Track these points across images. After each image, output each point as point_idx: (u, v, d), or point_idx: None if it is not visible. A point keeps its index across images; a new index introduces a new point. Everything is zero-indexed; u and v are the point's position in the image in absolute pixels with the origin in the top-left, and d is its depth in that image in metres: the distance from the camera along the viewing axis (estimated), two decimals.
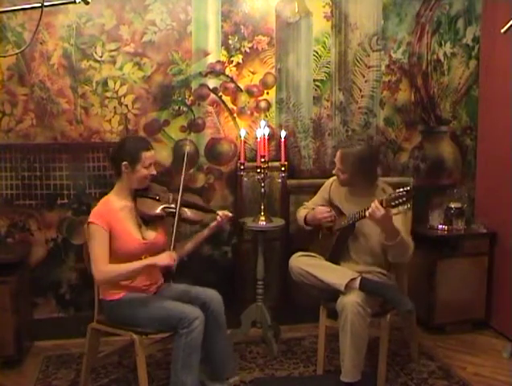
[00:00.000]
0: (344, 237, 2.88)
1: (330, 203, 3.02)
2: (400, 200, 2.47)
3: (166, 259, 2.51)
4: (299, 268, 2.86)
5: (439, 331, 3.52)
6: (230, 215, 2.88)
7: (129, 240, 2.58)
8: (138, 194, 2.69)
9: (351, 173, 2.82)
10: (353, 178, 2.83)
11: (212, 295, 2.68)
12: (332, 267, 2.83)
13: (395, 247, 2.65)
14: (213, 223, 2.85)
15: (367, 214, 2.58)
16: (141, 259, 2.63)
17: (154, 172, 2.67)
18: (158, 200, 2.71)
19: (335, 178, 3.03)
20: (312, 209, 3.05)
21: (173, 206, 2.71)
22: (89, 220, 2.55)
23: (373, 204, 2.55)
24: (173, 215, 2.68)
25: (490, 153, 3.69)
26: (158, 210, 2.69)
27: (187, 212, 2.76)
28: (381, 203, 2.53)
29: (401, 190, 2.49)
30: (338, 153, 2.87)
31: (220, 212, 2.84)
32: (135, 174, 2.61)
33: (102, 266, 2.48)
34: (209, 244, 3.51)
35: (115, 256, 2.59)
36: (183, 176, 2.78)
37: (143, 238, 2.64)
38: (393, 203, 2.49)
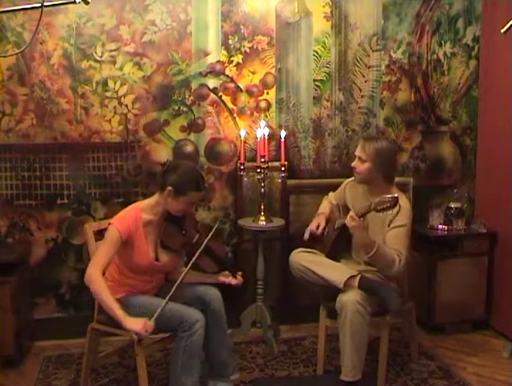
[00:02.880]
0: (345, 236, 2.87)
1: (344, 202, 3.03)
2: (384, 205, 2.56)
3: (138, 327, 2.36)
4: (299, 264, 2.86)
5: (439, 331, 3.52)
6: (241, 281, 2.81)
7: (142, 255, 2.58)
8: (168, 217, 2.64)
9: (372, 163, 2.78)
10: (373, 170, 2.79)
11: (212, 293, 2.67)
12: (332, 264, 2.84)
13: (372, 259, 2.67)
14: (224, 279, 2.80)
15: (345, 221, 2.66)
16: (147, 275, 2.65)
17: (193, 210, 2.64)
18: (184, 235, 2.68)
19: (349, 180, 3.06)
20: (329, 204, 3.11)
21: (194, 244, 2.66)
22: (112, 220, 2.54)
23: (350, 212, 2.65)
24: (190, 254, 2.65)
25: (490, 153, 3.69)
26: (178, 245, 2.67)
27: (204, 260, 2.72)
28: (370, 207, 2.61)
29: (388, 196, 2.57)
30: (360, 143, 2.86)
31: (237, 275, 2.78)
32: (175, 204, 2.58)
33: (95, 271, 2.46)
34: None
35: (124, 262, 2.60)
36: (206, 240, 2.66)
37: (156, 259, 2.64)
38: (378, 208, 2.58)
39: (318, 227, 2.95)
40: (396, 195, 2.57)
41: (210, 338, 2.60)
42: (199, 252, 2.59)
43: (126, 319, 2.40)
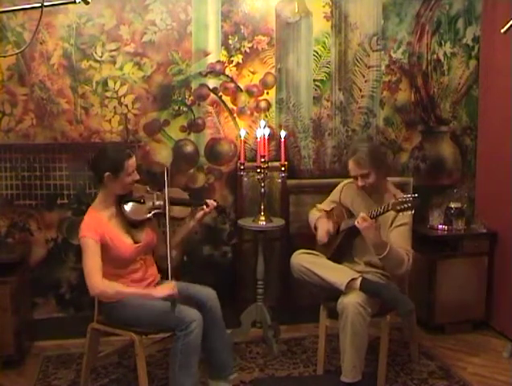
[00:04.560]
0: (350, 238, 2.88)
1: (340, 204, 3.03)
2: (405, 205, 2.53)
3: (165, 291, 2.49)
4: (301, 265, 2.86)
5: (439, 331, 3.52)
6: (215, 204, 2.86)
7: (122, 247, 2.59)
8: (122, 199, 2.66)
9: (373, 169, 2.78)
10: (378, 175, 2.80)
11: (208, 293, 2.68)
12: (334, 266, 2.84)
13: (384, 260, 2.67)
14: (199, 214, 2.84)
15: (355, 223, 2.64)
16: (136, 263, 2.66)
17: (137, 177, 2.66)
18: (144, 203, 2.70)
19: (346, 182, 3.07)
20: (325, 212, 3.07)
21: (158, 204, 2.71)
22: (80, 235, 2.54)
23: (361, 214, 2.63)
24: (160, 215, 2.70)
25: (490, 153, 3.69)
26: (145, 213, 2.69)
27: (175, 210, 2.75)
28: (388, 207, 2.59)
29: (408, 195, 2.56)
30: (351, 163, 2.83)
31: (207, 201, 2.84)
32: (119, 183, 2.59)
33: (96, 280, 2.46)
34: (209, 244, 3.51)
35: (111, 262, 2.58)
36: (166, 190, 2.74)
37: (135, 242, 2.64)
38: (398, 208, 2.56)
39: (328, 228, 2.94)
40: (416, 195, 2.56)
41: (208, 338, 2.60)
42: (167, 205, 2.67)
43: (154, 291, 2.53)
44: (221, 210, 3.19)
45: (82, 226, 2.57)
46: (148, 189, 2.79)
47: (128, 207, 2.66)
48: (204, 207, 2.83)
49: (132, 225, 2.67)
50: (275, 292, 3.61)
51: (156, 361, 3.11)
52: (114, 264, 2.58)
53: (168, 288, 2.50)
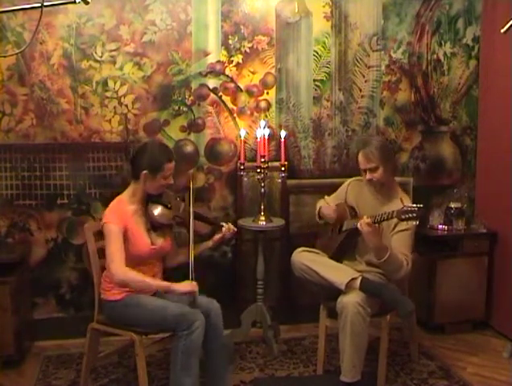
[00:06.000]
0: (352, 238, 2.87)
1: (345, 202, 3.03)
2: (410, 215, 2.53)
3: (187, 286, 2.52)
4: (302, 263, 2.86)
5: (438, 331, 3.52)
6: (235, 229, 2.90)
7: (139, 244, 2.59)
8: (150, 199, 2.69)
9: (382, 164, 2.77)
10: (386, 169, 2.79)
11: (212, 306, 2.66)
12: (335, 265, 2.84)
13: (383, 264, 2.68)
14: (218, 236, 2.87)
15: (358, 225, 2.64)
16: (146, 265, 2.65)
17: (172, 181, 2.68)
18: (170, 208, 2.72)
19: (352, 179, 3.06)
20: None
21: (182, 214, 2.74)
22: (104, 221, 2.55)
23: (364, 218, 2.63)
24: (181, 224, 2.74)
25: (490, 153, 3.69)
26: (169, 219, 2.71)
27: (196, 224, 2.78)
28: (392, 214, 2.58)
29: (414, 205, 2.55)
30: (361, 156, 2.81)
31: (225, 225, 2.86)
32: (154, 183, 2.62)
33: (119, 267, 2.48)
34: None
35: (125, 257, 2.58)
36: (191, 198, 2.76)
37: (152, 243, 2.65)
38: (402, 217, 2.55)
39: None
40: (422, 205, 2.55)
41: (207, 350, 2.60)
42: (192, 218, 2.68)
43: (175, 285, 2.54)
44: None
45: (107, 212, 2.59)
46: (177, 198, 2.82)
47: (155, 208, 2.68)
48: (223, 229, 2.85)
49: (153, 227, 2.69)
50: (275, 292, 3.61)
51: (156, 361, 3.11)
52: (129, 258, 2.56)
53: (190, 285, 2.53)
